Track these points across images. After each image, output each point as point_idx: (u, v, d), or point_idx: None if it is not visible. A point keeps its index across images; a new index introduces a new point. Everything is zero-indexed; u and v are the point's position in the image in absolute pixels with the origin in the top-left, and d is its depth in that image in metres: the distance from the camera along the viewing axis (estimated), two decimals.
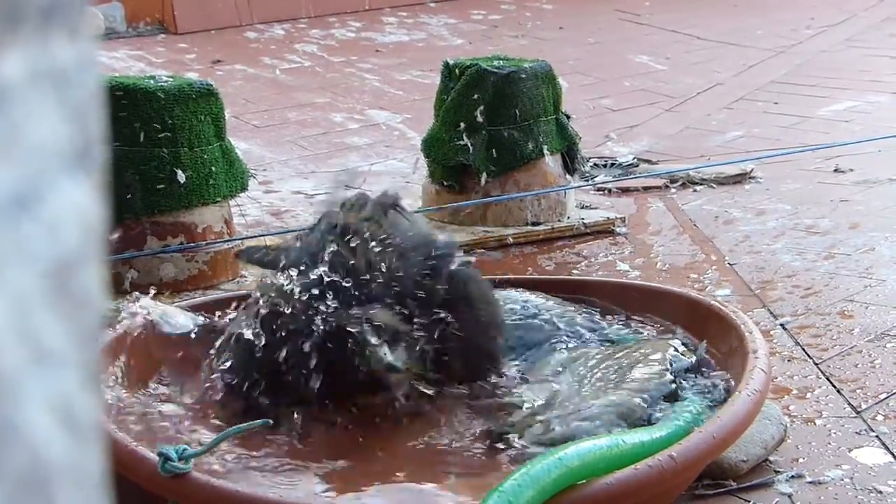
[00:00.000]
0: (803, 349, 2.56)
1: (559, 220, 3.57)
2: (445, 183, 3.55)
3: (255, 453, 1.84)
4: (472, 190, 3.52)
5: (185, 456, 1.62)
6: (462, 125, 3.49)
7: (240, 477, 1.76)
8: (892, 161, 4.33)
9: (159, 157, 2.81)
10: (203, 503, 1.62)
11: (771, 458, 2.02)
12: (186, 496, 1.63)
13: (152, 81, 2.89)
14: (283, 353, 1.78)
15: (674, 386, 2.00)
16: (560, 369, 2.12)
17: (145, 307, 2.07)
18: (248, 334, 1.83)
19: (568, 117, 3.68)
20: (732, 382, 2.00)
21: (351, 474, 1.79)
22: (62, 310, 0.38)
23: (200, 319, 2.12)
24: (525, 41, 7.11)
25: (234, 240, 2.98)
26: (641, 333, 2.33)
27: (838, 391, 2.33)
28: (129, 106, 2.79)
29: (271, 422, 1.62)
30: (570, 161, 3.64)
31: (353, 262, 1.84)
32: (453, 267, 1.93)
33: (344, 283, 1.81)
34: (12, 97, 0.39)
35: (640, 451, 1.67)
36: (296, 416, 1.88)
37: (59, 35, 0.40)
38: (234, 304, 2.10)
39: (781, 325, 2.71)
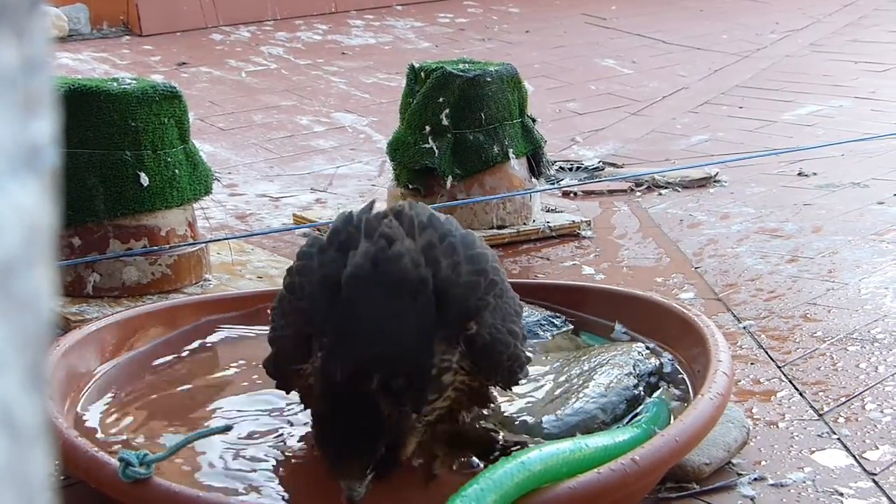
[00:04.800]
0: (766, 352, 2.57)
1: (525, 224, 3.57)
2: (411, 186, 3.54)
3: (216, 458, 1.82)
4: (437, 193, 3.52)
5: (146, 461, 1.61)
6: (427, 128, 3.49)
7: (201, 482, 1.75)
8: (855, 165, 4.37)
9: (122, 159, 2.79)
10: None
11: (734, 461, 2.03)
12: (148, 502, 1.62)
13: (116, 84, 2.87)
14: None
15: (637, 390, 2.00)
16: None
17: None
18: None
19: (533, 121, 3.68)
20: (696, 386, 2.00)
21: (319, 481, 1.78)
22: (3, 312, 0.37)
23: None
24: (491, 44, 7.12)
25: (198, 243, 2.96)
26: (606, 337, 2.33)
27: (801, 394, 2.34)
28: (92, 108, 2.77)
29: (232, 427, 1.61)
30: (536, 164, 3.65)
31: None
32: None
33: None
34: None
35: (602, 454, 1.67)
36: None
37: (4, 36, 0.40)
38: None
39: (745, 328, 2.73)
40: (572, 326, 2.39)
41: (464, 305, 1.68)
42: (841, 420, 2.21)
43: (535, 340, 2.30)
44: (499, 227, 3.53)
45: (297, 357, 1.71)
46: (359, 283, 1.64)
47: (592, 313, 2.41)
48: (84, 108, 2.77)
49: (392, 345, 1.60)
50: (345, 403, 1.58)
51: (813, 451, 2.08)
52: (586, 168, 4.45)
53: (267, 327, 1.96)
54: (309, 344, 1.69)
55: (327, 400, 1.59)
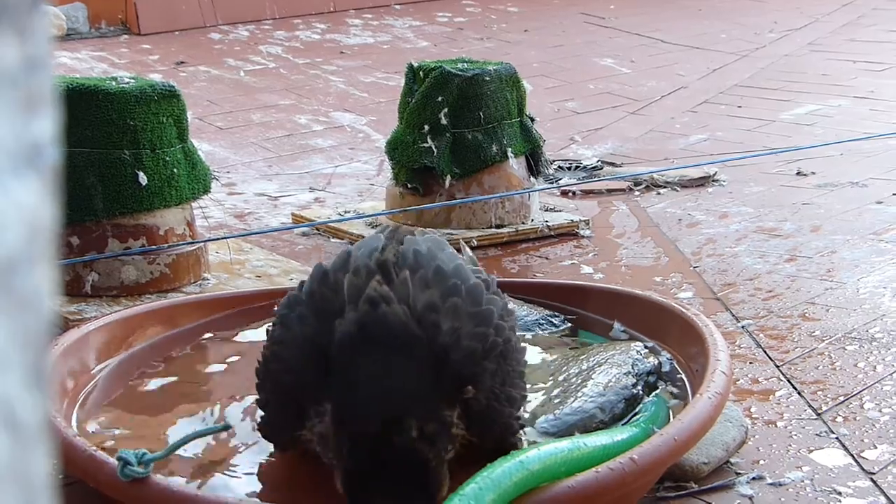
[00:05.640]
0: (765, 351, 2.58)
1: (523, 223, 3.58)
2: (409, 185, 3.54)
3: (215, 457, 1.82)
4: (436, 192, 3.52)
5: (144, 460, 1.61)
6: (426, 127, 3.49)
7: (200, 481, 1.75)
8: (854, 164, 4.37)
9: (121, 159, 2.79)
10: None
11: (732, 460, 2.03)
12: (146, 501, 1.62)
13: (114, 83, 2.87)
14: None
15: (636, 390, 2.00)
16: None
17: None
18: None
19: (532, 120, 3.68)
20: (694, 385, 2.00)
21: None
22: (4, 310, 0.37)
23: None
24: (490, 44, 7.12)
25: (197, 242, 2.96)
26: (605, 336, 2.33)
27: (799, 393, 2.34)
28: (90, 107, 2.77)
29: (230, 426, 1.61)
30: (535, 163, 3.65)
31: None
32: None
33: None
34: None
35: (601, 453, 1.67)
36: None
37: (5, 34, 0.40)
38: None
39: (743, 327, 2.73)
40: (570, 325, 2.39)
41: (461, 373, 1.62)
42: (839, 419, 2.21)
43: (531, 334, 2.30)
44: (497, 227, 3.54)
45: (288, 424, 1.67)
46: (349, 349, 1.58)
47: (591, 312, 2.41)
48: (82, 107, 2.77)
49: (408, 393, 1.55)
50: (386, 458, 1.50)
51: (811, 451, 2.08)
52: (585, 167, 4.46)
53: (265, 325, 1.96)
54: (298, 410, 1.64)
55: (364, 459, 1.51)
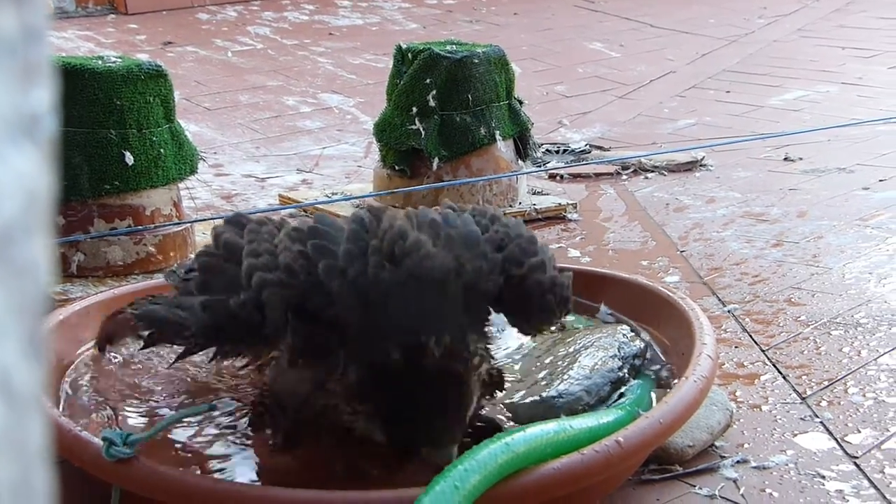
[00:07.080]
0: (751, 336, 2.58)
1: (511, 206, 3.58)
2: (397, 167, 3.54)
3: (200, 437, 1.83)
4: (423, 175, 3.51)
5: (129, 441, 1.61)
6: (414, 109, 3.49)
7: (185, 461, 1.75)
8: (841, 150, 4.38)
9: (107, 138, 2.78)
10: (148, 488, 1.60)
11: (717, 444, 2.04)
12: (131, 481, 1.62)
13: (101, 62, 2.86)
14: None
15: (622, 373, 2.01)
16: (511, 353, 2.12)
17: None
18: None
19: (521, 103, 3.68)
20: (680, 368, 2.01)
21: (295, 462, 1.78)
22: (2, 279, 0.37)
23: None
24: (479, 26, 7.11)
25: (183, 223, 2.96)
26: (591, 319, 2.33)
27: (784, 377, 2.35)
28: (76, 86, 2.76)
29: (216, 406, 1.60)
30: (523, 147, 3.65)
31: None
32: None
33: None
34: None
35: (587, 436, 1.68)
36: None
37: (4, 3, 0.39)
38: None
39: (729, 311, 2.73)
40: None
41: (478, 289, 1.66)
42: (823, 403, 2.22)
43: None
44: None
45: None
46: (384, 284, 1.57)
47: (578, 295, 2.41)
48: (69, 87, 2.76)
49: (430, 317, 1.57)
50: (419, 379, 1.53)
51: (795, 434, 2.09)
52: (573, 151, 4.46)
53: None
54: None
55: (397, 383, 1.53)
